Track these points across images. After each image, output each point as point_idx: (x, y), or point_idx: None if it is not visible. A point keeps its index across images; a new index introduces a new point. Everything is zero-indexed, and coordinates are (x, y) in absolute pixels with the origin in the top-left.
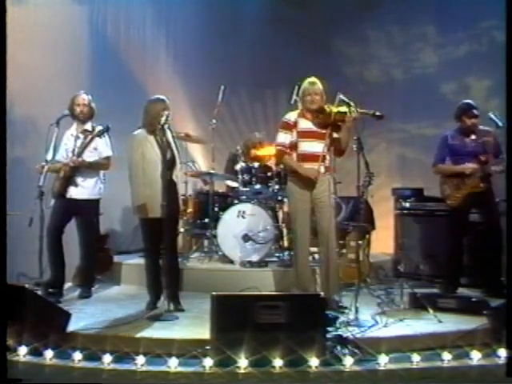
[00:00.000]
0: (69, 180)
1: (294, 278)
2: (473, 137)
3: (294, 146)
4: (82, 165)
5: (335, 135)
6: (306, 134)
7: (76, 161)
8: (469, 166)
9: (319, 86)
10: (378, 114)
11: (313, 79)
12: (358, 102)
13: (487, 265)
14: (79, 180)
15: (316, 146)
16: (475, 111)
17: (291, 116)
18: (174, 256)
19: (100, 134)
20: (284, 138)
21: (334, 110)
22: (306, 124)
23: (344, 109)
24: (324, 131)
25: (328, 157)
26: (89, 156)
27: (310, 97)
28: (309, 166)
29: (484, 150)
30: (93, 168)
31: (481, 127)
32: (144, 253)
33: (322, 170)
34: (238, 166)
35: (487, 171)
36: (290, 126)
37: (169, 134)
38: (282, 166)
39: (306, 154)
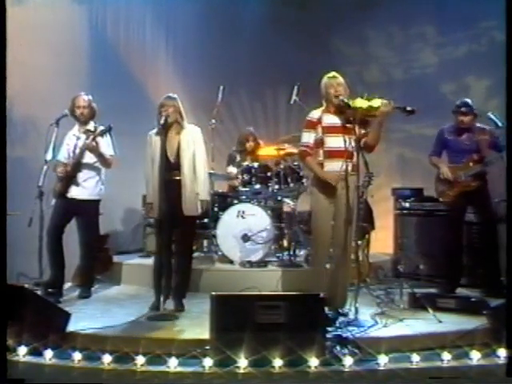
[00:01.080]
0: (70, 180)
1: (311, 278)
2: (467, 135)
3: (319, 143)
4: (95, 150)
5: (363, 130)
6: (331, 129)
7: (90, 144)
8: (445, 171)
9: (340, 78)
10: (409, 108)
11: (332, 73)
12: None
13: (486, 264)
14: (80, 180)
15: (342, 142)
16: (465, 109)
17: (314, 113)
18: (183, 257)
19: (102, 134)
20: (308, 137)
21: (364, 104)
22: (331, 119)
23: (376, 103)
24: (351, 126)
25: (355, 154)
26: (90, 156)
27: (333, 89)
28: (335, 163)
29: (478, 148)
30: (100, 160)
31: (478, 125)
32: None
33: (349, 168)
34: (231, 167)
35: (480, 170)
36: (313, 124)
37: (186, 134)
38: (281, 166)
39: (333, 150)
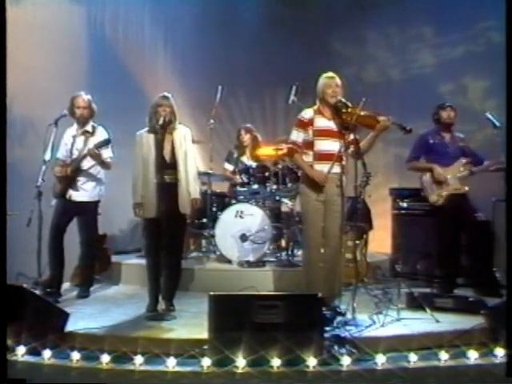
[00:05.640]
0: (70, 183)
1: (304, 278)
2: (450, 138)
3: (310, 145)
4: (98, 157)
5: (352, 136)
6: (322, 133)
7: (93, 152)
8: (440, 172)
9: (338, 79)
10: (408, 128)
11: (331, 73)
12: (356, 103)
13: (482, 265)
14: (80, 183)
15: (333, 145)
16: (451, 104)
17: (306, 113)
18: (171, 257)
19: (101, 146)
20: (296, 135)
21: (362, 112)
22: (322, 122)
23: (373, 114)
24: (342, 130)
25: (344, 157)
26: (89, 161)
27: (332, 89)
28: (324, 165)
29: (463, 152)
30: (101, 165)
31: (456, 134)
32: (144, 252)
33: (338, 169)
34: (227, 164)
35: (468, 174)
36: (304, 124)
37: (178, 134)
38: (279, 166)
39: (322, 152)
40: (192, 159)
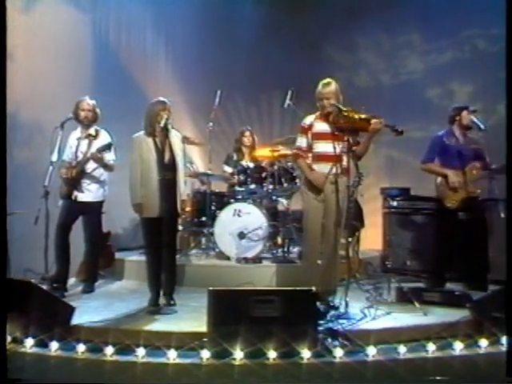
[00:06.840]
0: (75, 184)
1: (303, 273)
2: (465, 140)
3: (309, 147)
4: (100, 160)
5: (347, 139)
6: (320, 136)
7: (96, 156)
8: (456, 180)
9: (332, 87)
10: (399, 129)
11: (327, 80)
12: (350, 106)
13: (472, 261)
14: (85, 185)
15: (330, 147)
16: (473, 108)
17: (307, 119)
18: (171, 254)
19: (103, 150)
20: (300, 141)
21: (355, 116)
22: (320, 126)
23: (367, 117)
24: (339, 133)
25: (345, 158)
26: (92, 163)
27: (322, 102)
28: (322, 166)
29: (476, 155)
30: (104, 168)
31: (469, 136)
32: (145, 250)
33: (334, 170)
34: (226, 167)
35: (481, 177)
36: (305, 130)
37: (173, 136)
38: (275, 167)
39: (321, 154)
40: (182, 162)
